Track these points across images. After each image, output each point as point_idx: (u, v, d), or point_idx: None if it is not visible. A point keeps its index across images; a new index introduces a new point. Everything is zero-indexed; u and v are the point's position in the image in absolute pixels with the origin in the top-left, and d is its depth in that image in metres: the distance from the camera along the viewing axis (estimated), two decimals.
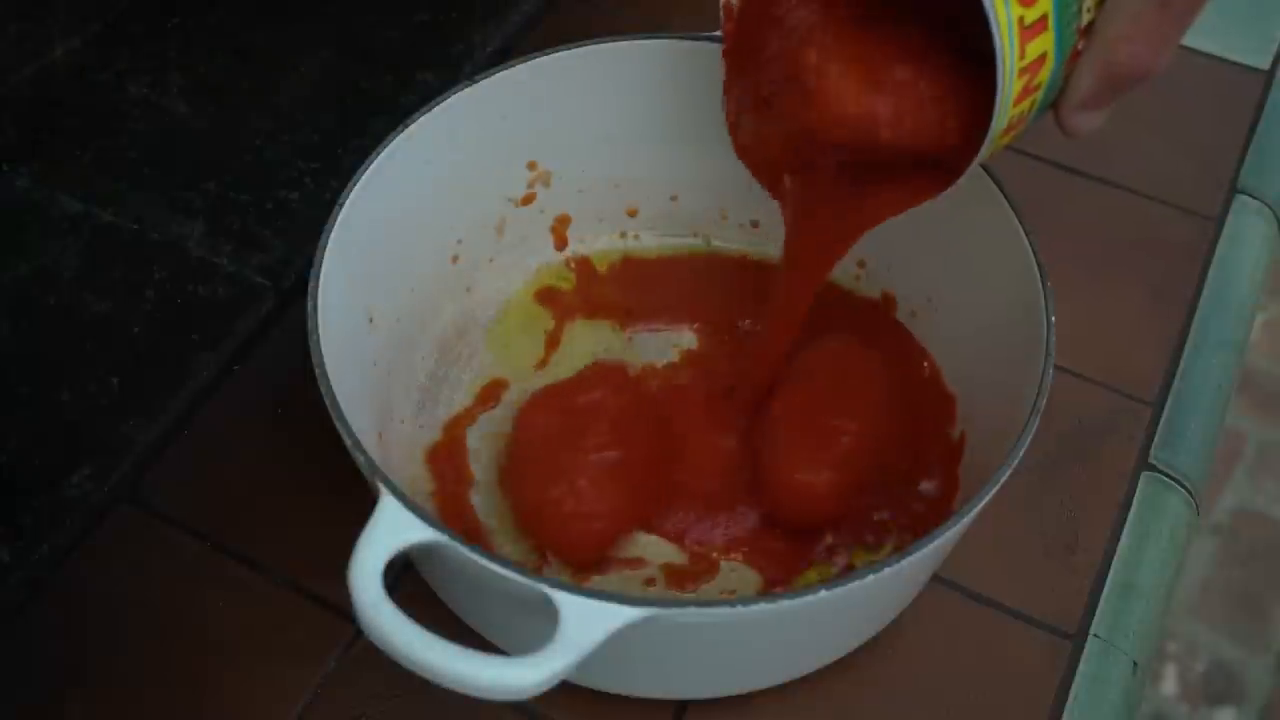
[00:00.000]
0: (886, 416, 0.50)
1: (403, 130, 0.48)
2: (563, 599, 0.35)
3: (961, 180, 0.42)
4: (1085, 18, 0.39)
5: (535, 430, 0.49)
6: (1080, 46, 0.40)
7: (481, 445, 0.52)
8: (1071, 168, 0.64)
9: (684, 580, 0.48)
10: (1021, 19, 0.37)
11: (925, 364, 0.52)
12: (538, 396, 0.51)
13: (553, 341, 0.55)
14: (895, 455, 0.50)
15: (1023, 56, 0.38)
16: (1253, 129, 0.67)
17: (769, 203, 0.49)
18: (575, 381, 0.51)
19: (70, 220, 0.57)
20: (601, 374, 0.51)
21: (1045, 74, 0.39)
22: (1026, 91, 0.39)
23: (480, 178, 0.53)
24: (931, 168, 0.42)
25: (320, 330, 0.42)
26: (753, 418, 0.51)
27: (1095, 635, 0.48)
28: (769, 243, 0.56)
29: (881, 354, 0.52)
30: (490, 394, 0.53)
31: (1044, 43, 0.39)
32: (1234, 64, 0.70)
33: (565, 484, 0.47)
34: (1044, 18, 0.38)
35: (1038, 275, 0.45)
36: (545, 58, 0.51)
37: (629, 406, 0.50)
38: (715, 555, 0.49)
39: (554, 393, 0.51)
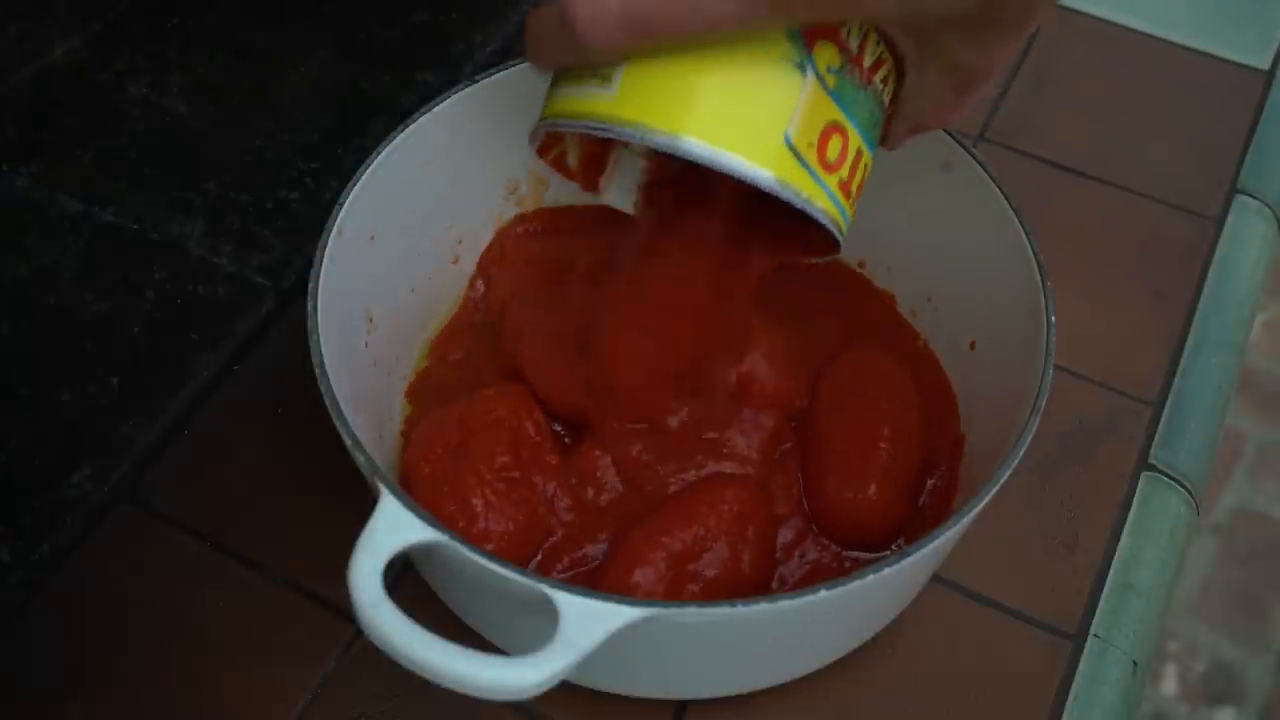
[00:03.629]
0: (917, 423, 0.49)
1: (403, 130, 0.48)
2: (563, 599, 0.35)
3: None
4: (887, 98, 0.40)
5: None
6: (890, 112, 0.40)
7: None
8: (1071, 168, 0.64)
9: None
10: (842, 182, 0.38)
11: (927, 364, 0.52)
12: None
13: None
14: (922, 457, 0.49)
15: (849, 196, 0.39)
16: (1253, 129, 0.67)
17: None
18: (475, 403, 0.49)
19: (70, 220, 0.57)
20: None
21: (867, 165, 0.40)
22: (859, 190, 0.40)
23: (480, 178, 0.53)
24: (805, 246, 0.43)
25: (320, 330, 0.42)
26: (800, 446, 0.50)
27: (1095, 635, 0.48)
28: None
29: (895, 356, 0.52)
30: None
31: (863, 164, 0.39)
32: (1234, 64, 0.70)
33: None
34: (859, 153, 0.38)
35: (1038, 275, 0.45)
36: None
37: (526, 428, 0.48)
38: None
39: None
